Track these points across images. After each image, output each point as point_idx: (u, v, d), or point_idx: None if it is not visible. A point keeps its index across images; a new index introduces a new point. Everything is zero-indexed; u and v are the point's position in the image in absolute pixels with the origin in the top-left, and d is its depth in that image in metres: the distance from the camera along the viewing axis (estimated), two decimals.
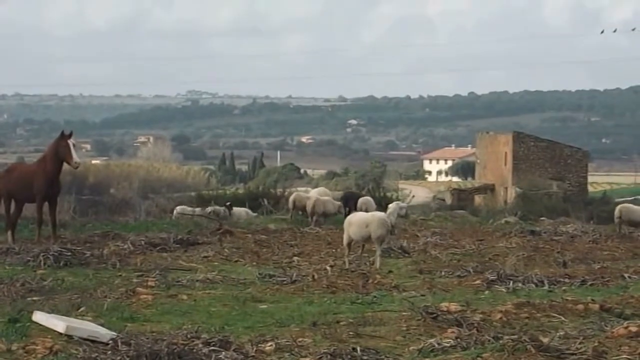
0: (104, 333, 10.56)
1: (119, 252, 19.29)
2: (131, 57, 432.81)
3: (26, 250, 18.41)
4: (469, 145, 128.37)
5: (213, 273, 16.63)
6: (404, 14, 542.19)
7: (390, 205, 20.84)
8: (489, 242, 23.13)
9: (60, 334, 10.56)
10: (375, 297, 14.43)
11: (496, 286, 15.55)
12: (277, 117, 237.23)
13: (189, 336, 10.52)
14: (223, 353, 9.91)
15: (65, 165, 20.31)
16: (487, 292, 15.19)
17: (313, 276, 16.37)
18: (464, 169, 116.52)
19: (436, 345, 10.38)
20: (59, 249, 18.03)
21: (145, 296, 13.99)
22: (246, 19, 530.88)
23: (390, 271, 17.77)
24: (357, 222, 18.40)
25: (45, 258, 17.33)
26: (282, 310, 13.16)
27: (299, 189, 45.86)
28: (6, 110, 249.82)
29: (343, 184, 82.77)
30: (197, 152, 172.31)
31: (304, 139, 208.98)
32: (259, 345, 10.51)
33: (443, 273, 17.53)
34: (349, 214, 21.35)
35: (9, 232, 20.66)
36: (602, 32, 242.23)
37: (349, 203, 30.22)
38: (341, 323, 12.05)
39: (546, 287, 15.55)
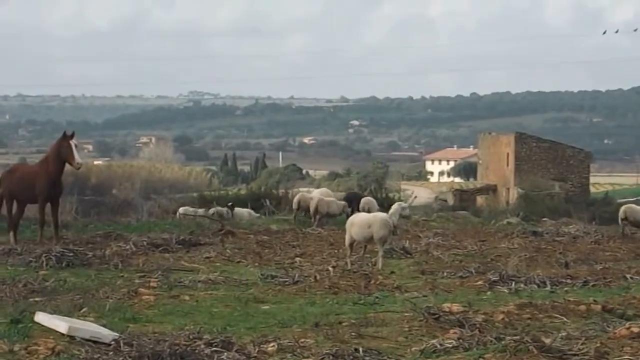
0: (106, 334, 10.57)
1: (121, 252, 19.29)
2: (132, 57, 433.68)
3: (28, 251, 18.41)
4: (471, 146, 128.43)
5: (215, 274, 16.62)
6: (406, 14, 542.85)
7: (393, 206, 20.83)
8: (491, 243, 23.12)
9: (63, 334, 10.56)
10: (377, 297, 14.42)
11: (498, 287, 15.54)
12: (279, 117, 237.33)
13: (191, 337, 10.53)
14: (225, 354, 9.91)
15: (67, 166, 20.31)
16: (489, 292, 15.18)
17: (315, 277, 16.36)
18: (466, 169, 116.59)
19: (438, 346, 10.38)
20: (61, 249, 18.03)
21: (147, 297, 13.99)
22: (247, 19, 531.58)
23: (392, 272, 17.76)
24: (359, 222, 18.39)
25: (48, 259, 17.34)
26: (284, 311, 13.16)
27: (301, 189, 45.84)
28: (8, 111, 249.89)
29: (345, 185, 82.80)
30: (199, 153, 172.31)
31: (306, 140, 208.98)
32: (261, 346, 10.51)
33: (445, 274, 17.51)
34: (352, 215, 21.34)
35: (11, 233, 20.67)
36: (604, 32, 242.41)
37: (352, 204, 30.17)
38: (343, 324, 12.05)
39: (548, 288, 15.53)
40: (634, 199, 59.32)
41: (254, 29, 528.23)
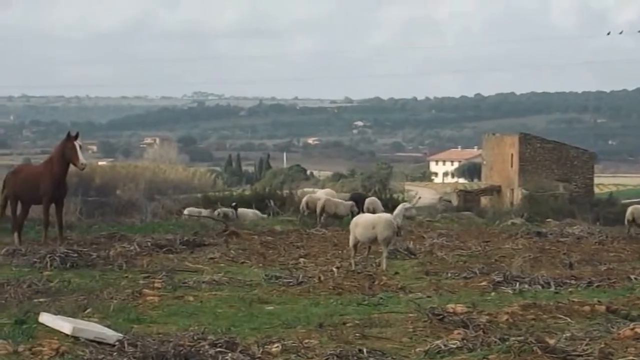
0: (110, 334, 10.58)
1: (125, 253, 19.31)
2: (137, 58, 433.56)
3: (33, 251, 18.43)
4: (476, 147, 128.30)
5: (219, 274, 16.62)
6: (410, 15, 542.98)
7: (397, 207, 20.81)
8: (495, 244, 23.11)
9: (67, 335, 10.57)
10: (381, 298, 14.42)
11: (502, 287, 15.55)
12: (283, 118, 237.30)
13: (195, 337, 10.54)
14: (229, 354, 9.92)
15: (71, 167, 20.33)
16: (493, 293, 15.18)
17: (319, 278, 16.36)
18: (471, 170, 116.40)
19: (442, 347, 10.39)
20: (66, 250, 18.04)
21: (151, 298, 13.99)
22: (251, 20, 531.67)
23: (396, 273, 17.77)
24: (364, 223, 18.39)
25: (52, 259, 17.35)
26: (288, 312, 13.17)
27: (305, 189, 45.77)
28: (13, 111, 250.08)
29: (349, 186, 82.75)
30: (204, 154, 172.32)
31: (310, 141, 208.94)
32: (265, 346, 10.52)
33: (449, 274, 17.52)
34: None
35: (16, 234, 20.68)
36: (608, 33, 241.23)
37: (356, 204, 30.11)
38: (347, 324, 12.06)
39: (552, 289, 15.54)
40: (639, 199, 59.29)
41: (258, 30, 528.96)
